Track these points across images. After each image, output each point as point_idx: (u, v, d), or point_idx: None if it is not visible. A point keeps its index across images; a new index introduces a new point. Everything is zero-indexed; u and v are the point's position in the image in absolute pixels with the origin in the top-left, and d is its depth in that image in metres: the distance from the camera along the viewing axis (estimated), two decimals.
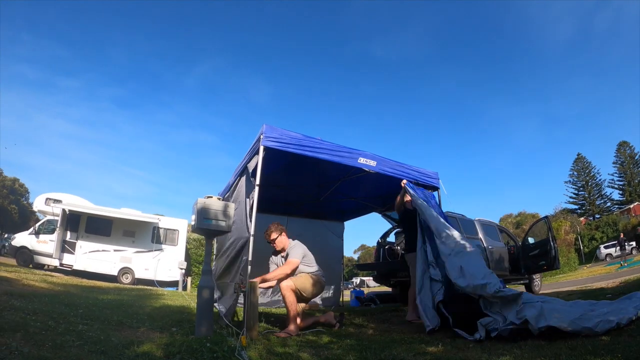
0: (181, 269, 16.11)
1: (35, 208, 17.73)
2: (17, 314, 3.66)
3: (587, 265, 30.63)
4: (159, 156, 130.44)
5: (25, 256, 15.05)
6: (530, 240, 9.73)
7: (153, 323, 4.48)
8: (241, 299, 4.47)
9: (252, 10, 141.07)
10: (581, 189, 62.26)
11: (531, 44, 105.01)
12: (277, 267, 4.98)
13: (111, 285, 12.30)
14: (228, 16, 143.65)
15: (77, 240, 15.38)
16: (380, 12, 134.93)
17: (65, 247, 15.08)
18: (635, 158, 58.63)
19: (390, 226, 9.48)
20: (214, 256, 6.65)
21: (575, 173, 63.05)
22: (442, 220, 5.24)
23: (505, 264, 9.29)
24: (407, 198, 5.88)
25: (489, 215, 35.86)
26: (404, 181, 5.80)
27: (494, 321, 3.85)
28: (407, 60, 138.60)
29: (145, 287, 13.93)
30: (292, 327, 4.46)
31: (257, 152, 4.62)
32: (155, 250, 16.54)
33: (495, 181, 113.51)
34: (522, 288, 11.05)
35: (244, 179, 5.12)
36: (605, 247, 36.03)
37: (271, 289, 6.58)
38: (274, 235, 4.85)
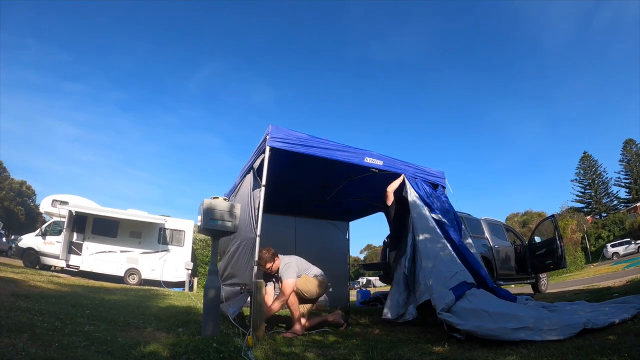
0: (187, 269, 16.19)
1: (41, 210, 17.85)
2: (23, 315, 3.68)
3: (594, 264, 30.38)
4: (164, 158, 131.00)
5: (32, 257, 15.14)
6: (537, 239, 9.69)
7: (159, 323, 4.49)
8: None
9: (254, 15, 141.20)
10: (587, 187, 61.79)
11: (531, 44, 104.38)
12: (273, 284, 5.01)
13: (118, 286, 12.35)
14: (229, 21, 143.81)
15: (83, 241, 15.45)
16: (380, 15, 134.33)
17: (72, 248, 15.15)
18: None
19: None
20: (220, 257, 6.65)
21: (582, 171, 62.56)
22: (431, 223, 5.35)
23: (511, 263, 9.25)
24: (391, 198, 5.98)
25: (495, 214, 35.72)
26: (402, 175, 5.78)
27: None
28: (408, 63, 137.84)
29: (152, 287, 13.97)
30: (297, 327, 4.46)
31: (263, 153, 4.62)
32: (161, 251, 16.58)
33: (501, 180, 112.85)
34: (528, 287, 11.01)
35: (250, 179, 5.12)
36: (612, 246, 35.73)
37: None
38: (268, 265, 4.75)
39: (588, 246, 42.78)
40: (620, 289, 7.48)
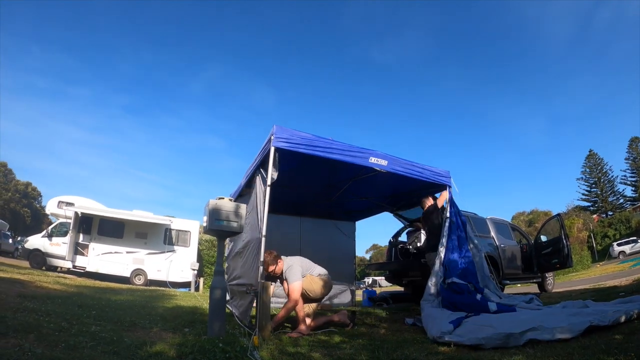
0: (193, 270, 16.21)
1: (48, 211, 17.98)
2: (30, 316, 3.69)
3: (600, 263, 30.22)
4: (168, 160, 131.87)
5: (39, 258, 15.25)
6: (543, 238, 9.63)
7: (165, 324, 4.51)
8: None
9: (255, 16, 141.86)
10: (593, 186, 61.35)
11: (531, 44, 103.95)
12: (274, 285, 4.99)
13: (124, 286, 12.38)
14: (231, 23, 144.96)
15: (89, 242, 15.54)
16: (381, 15, 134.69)
17: (78, 249, 15.25)
18: None
19: (402, 225, 9.42)
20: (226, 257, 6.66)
21: (588, 170, 62.14)
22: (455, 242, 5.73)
23: (518, 263, 9.20)
24: (430, 202, 6.44)
25: (501, 214, 35.69)
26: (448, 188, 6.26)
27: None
28: (409, 62, 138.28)
29: (158, 288, 14.00)
30: (302, 326, 4.46)
31: (267, 153, 4.60)
32: (167, 251, 16.64)
33: (507, 179, 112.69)
34: (535, 286, 10.95)
35: (254, 180, 5.11)
36: (618, 245, 35.52)
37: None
38: (271, 268, 4.74)
39: (594, 245, 42.56)
40: (626, 287, 7.43)
